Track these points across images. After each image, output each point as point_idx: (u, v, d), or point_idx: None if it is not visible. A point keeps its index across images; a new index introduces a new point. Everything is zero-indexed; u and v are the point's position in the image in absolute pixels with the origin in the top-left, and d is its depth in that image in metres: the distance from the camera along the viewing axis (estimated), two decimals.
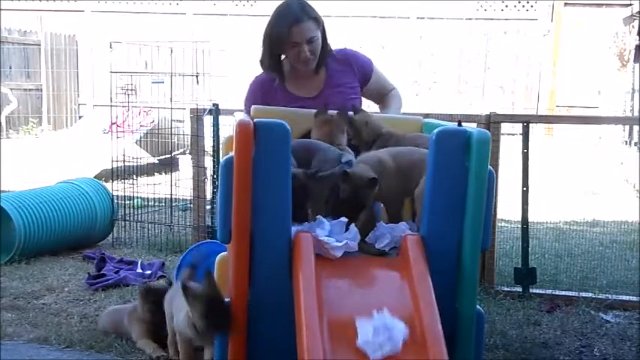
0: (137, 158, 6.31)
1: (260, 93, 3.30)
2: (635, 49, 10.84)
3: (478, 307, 2.56)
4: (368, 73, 3.36)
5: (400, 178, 2.68)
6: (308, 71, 3.27)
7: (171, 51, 6.59)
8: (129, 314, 3.34)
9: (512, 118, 4.67)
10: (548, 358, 3.37)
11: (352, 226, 2.54)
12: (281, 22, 3.16)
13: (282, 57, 3.30)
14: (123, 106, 6.31)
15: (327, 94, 3.25)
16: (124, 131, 7.35)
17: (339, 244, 2.47)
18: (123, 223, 5.50)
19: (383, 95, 3.44)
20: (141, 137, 8.69)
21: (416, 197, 2.66)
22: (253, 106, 3.14)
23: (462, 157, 2.48)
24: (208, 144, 5.15)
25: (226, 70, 7.80)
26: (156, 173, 7.54)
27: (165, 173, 6.87)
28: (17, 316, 3.72)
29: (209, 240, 4.37)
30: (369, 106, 3.46)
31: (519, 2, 12.28)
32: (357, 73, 3.33)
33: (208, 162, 5.12)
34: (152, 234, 5.46)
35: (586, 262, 4.89)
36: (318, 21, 3.20)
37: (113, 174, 5.90)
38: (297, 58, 3.20)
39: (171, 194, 5.73)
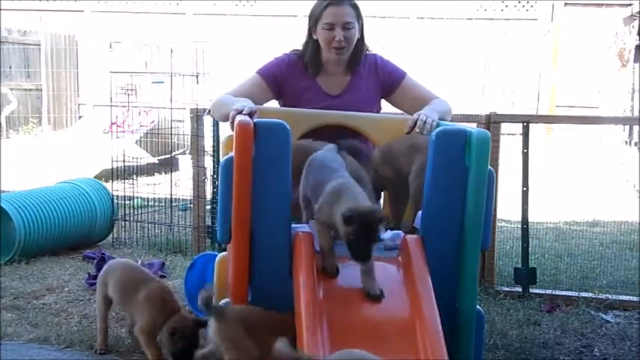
0: (137, 158, 6.31)
1: (285, 68, 3.23)
2: (635, 49, 10.83)
3: (478, 307, 2.57)
4: (394, 83, 3.27)
5: None
6: (339, 64, 3.20)
7: (171, 51, 6.60)
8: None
9: (512, 118, 4.67)
10: (548, 358, 3.37)
11: None
12: (320, 2, 3.16)
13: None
14: (123, 106, 6.31)
15: (349, 95, 3.23)
16: (124, 131, 7.36)
17: None
18: (123, 223, 5.50)
19: (423, 105, 3.11)
20: (141, 137, 8.68)
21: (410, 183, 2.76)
22: None
23: (462, 157, 2.48)
24: (208, 144, 5.15)
25: (226, 70, 7.80)
26: (156, 173, 7.54)
27: (165, 173, 6.87)
28: (17, 316, 3.71)
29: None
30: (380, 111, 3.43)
31: (519, 2, 12.28)
32: (381, 80, 3.27)
33: (208, 162, 5.12)
34: (152, 234, 5.45)
35: (586, 262, 4.89)
36: (357, 11, 3.17)
37: (113, 174, 5.90)
38: (329, 42, 3.12)
39: (171, 194, 5.72)
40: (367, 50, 3.30)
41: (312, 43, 3.21)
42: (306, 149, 2.82)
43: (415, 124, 2.84)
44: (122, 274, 3.19)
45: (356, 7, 3.17)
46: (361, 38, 3.23)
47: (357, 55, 3.22)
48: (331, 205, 2.36)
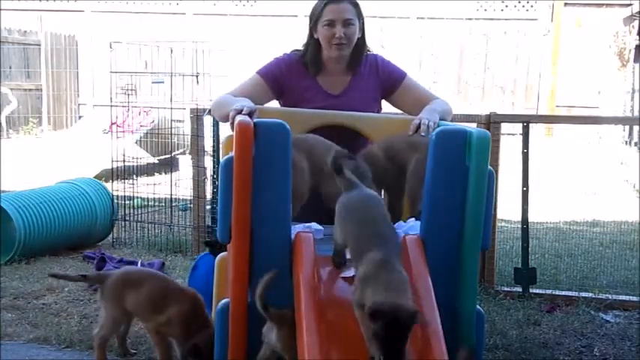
0: (137, 158, 6.31)
1: (285, 67, 3.22)
2: (635, 49, 10.84)
3: (478, 307, 2.56)
4: (395, 83, 3.27)
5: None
6: (339, 61, 3.20)
7: (172, 51, 6.59)
8: None
9: (512, 118, 4.67)
10: (548, 358, 3.37)
11: None
12: (320, 1, 3.16)
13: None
14: (123, 106, 6.31)
15: (350, 94, 3.23)
16: (124, 131, 7.35)
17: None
18: (123, 223, 5.50)
19: (423, 106, 3.12)
20: (141, 137, 8.68)
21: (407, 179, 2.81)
22: None
23: (462, 157, 2.48)
24: (208, 144, 5.15)
25: (226, 70, 7.80)
26: (156, 173, 7.54)
27: (165, 173, 6.87)
28: (17, 316, 3.71)
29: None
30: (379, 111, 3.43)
31: (519, 2, 12.28)
32: (382, 80, 3.27)
33: (208, 162, 5.12)
34: (152, 234, 5.45)
35: (586, 262, 4.89)
36: (358, 9, 3.17)
37: (113, 174, 5.90)
38: (329, 39, 3.12)
39: (171, 194, 5.72)
40: (368, 50, 3.30)
41: (313, 42, 3.21)
42: (312, 149, 2.81)
43: (418, 128, 2.84)
44: (151, 285, 3.05)
45: (356, 6, 3.18)
46: (362, 38, 3.23)
47: (357, 55, 3.23)
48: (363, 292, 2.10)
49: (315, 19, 3.17)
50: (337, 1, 3.12)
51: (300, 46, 3.30)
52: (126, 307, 3.04)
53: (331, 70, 3.23)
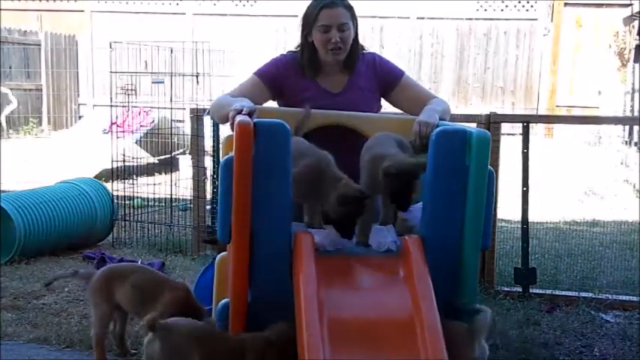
0: (137, 158, 6.31)
1: (283, 68, 3.21)
2: (635, 49, 10.84)
3: None
4: (392, 81, 3.25)
5: None
6: (335, 65, 3.19)
7: (172, 51, 6.59)
8: None
9: (512, 118, 4.67)
10: (548, 358, 3.37)
11: None
12: (314, 4, 3.14)
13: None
14: (123, 106, 6.31)
15: (349, 93, 3.22)
16: (123, 131, 7.36)
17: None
18: (123, 223, 5.50)
19: (421, 105, 3.12)
20: (141, 137, 8.68)
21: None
22: None
23: (462, 157, 2.48)
24: (208, 144, 5.15)
25: (226, 70, 7.81)
26: (156, 173, 7.54)
27: (166, 173, 6.87)
28: (17, 316, 3.72)
29: None
30: (385, 108, 3.44)
31: (519, 2, 12.30)
32: (380, 78, 3.25)
33: (208, 162, 5.12)
34: (152, 234, 5.45)
35: (586, 262, 4.89)
36: (351, 12, 3.15)
37: (113, 174, 5.90)
38: (325, 44, 3.11)
39: (171, 194, 5.72)
40: (363, 49, 3.30)
41: (307, 45, 3.20)
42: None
43: (419, 134, 2.83)
44: (139, 277, 3.06)
45: (350, 8, 3.16)
46: (355, 38, 3.23)
47: (353, 55, 3.22)
48: None
49: (309, 23, 3.16)
50: (332, 6, 3.10)
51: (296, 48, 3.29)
52: (114, 301, 3.04)
53: (329, 71, 3.23)
